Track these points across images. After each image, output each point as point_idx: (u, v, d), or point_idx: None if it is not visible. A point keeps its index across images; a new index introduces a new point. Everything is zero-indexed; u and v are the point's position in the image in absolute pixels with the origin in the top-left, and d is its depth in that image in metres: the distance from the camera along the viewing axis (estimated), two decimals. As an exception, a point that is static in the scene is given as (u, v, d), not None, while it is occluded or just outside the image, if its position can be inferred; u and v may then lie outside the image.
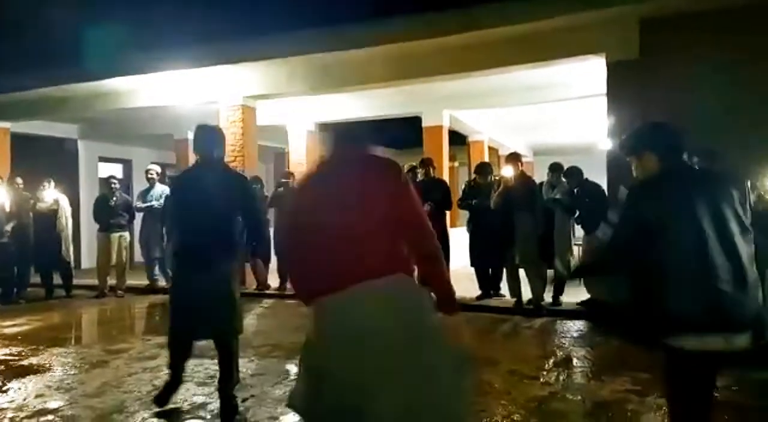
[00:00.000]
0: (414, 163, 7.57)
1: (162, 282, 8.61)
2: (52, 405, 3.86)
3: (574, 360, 4.94)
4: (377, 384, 1.72)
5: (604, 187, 6.80)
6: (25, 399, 3.99)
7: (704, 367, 2.14)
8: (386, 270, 1.81)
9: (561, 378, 4.38)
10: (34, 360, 5.03)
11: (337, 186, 1.94)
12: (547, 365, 4.71)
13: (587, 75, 7.84)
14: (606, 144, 7.30)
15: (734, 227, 2.13)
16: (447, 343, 1.82)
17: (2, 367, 4.85)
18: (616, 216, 2.35)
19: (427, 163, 7.38)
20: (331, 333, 1.81)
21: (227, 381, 3.59)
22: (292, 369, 4.66)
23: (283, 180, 8.61)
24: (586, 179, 6.88)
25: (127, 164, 13.41)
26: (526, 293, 6.70)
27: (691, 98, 6.10)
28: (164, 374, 4.16)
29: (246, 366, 4.72)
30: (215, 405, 3.72)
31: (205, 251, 3.34)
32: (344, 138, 2.19)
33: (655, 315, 2.17)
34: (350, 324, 1.77)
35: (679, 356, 2.12)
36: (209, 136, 3.51)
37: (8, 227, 7.76)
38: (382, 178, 1.95)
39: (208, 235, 3.33)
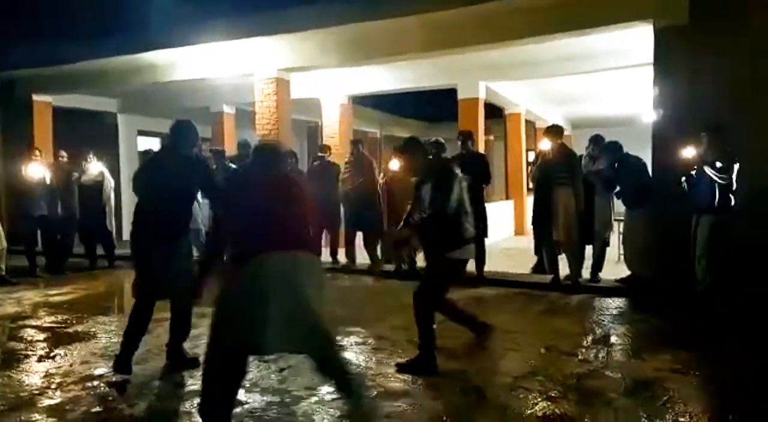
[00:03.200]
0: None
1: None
2: (97, 371, 3.98)
3: (613, 338, 4.84)
4: (286, 302, 2.84)
5: (647, 159, 6.54)
6: (71, 366, 4.13)
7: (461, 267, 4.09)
8: (304, 246, 3.06)
9: (600, 355, 4.29)
10: (79, 328, 5.20)
11: (278, 192, 3.10)
12: (585, 342, 4.62)
13: (630, 43, 7.52)
14: (650, 116, 7.02)
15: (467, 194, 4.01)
16: (319, 295, 3.08)
17: (49, 334, 5.02)
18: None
19: (466, 136, 7.15)
20: (273, 273, 2.87)
21: (183, 339, 4.08)
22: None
23: (320, 154, 8.56)
24: (627, 153, 6.62)
25: (165, 137, 13.59)
26: (564, 269, 6.58)
27: (744, 66, 5.79)
28: (203, 343, 4.21)
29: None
30: (254, 374, 3.78)
31: (176, 224, 3.99)
32: (271, 163, 3.28)
33: (448, 239, 3.89)
34: (285, 270, 2.91)
35: (454, 262, 3.95)
36: (186, 131, 4.11)
37: (51, 201, 7.95)
38: (298, 191, 3.25)
39: (179, 211, 4.02)
